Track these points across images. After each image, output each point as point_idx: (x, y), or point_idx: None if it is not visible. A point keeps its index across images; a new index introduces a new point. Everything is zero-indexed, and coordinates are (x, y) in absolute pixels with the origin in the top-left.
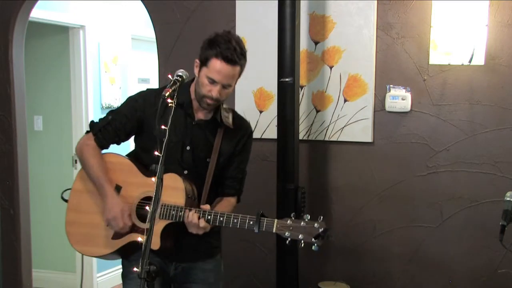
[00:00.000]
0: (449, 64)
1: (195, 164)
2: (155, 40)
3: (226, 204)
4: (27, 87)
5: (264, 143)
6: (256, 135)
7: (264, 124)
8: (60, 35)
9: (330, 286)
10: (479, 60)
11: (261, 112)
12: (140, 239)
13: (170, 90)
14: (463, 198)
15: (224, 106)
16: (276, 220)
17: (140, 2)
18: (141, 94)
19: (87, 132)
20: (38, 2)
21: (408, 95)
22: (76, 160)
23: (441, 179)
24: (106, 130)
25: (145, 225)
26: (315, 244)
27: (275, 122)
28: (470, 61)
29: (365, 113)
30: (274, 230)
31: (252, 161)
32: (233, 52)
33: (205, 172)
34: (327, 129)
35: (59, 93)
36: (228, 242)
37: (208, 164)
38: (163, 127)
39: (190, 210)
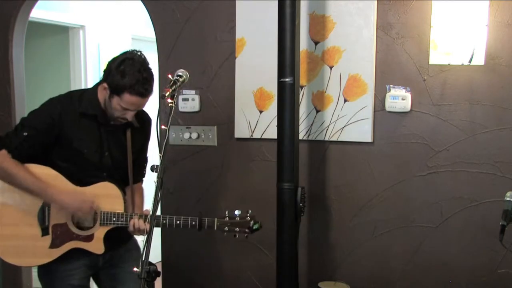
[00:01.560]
0: (449, 64)
1: (114, 166)
2: (155, 40)
3: (140, 193)
4: (27, 87)
5: (264, 143)
6: (256, 135)
7: (264, 124)
8: (60, 35)
9: (330, 286)
10: (479, 60)
11: (261, 112)
12: (79, 245)
13: (170, 90)
14: (463, 198)
15: None
16: (216, 219)
17: (140, 2)
18: (55, 109)
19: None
20: (38, 2)
21: (408, 95)
22: None
23: (441, 179)
24: (22, 147)
25: (84, 232)
26: (247, 234)
27: (275, 122)
28: (470, 61)
29: (365, 113)
30: (215, 228)
31: (252, 161)
32: (147, 86)
33: (123, 171)
34: (327, 129)
35: (59, 93)
36: (228, 242)
37: (126, 163)
38: (163, 127)
39: (133, 217)
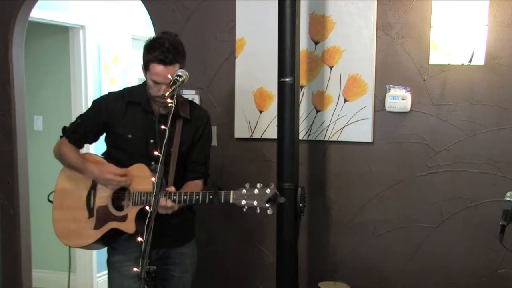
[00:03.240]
0: (449, 64)
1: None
2: None
3: (193, 187)
4: (27, 87)
5: (264, 143)
6: (256, 135)
7: (264, 124)
8: (60, 35)
9: (330, 286)
10: (479, 60)
11: (261, 112)
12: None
13: (170, 90)
14: (463, 198)
15: (181, 98)
16: (232, 192)
17: (140, 2)
18: (104, 98)
19: (61, 137)
20: (38, 2)
21: (408, 95)
22: None
23: (441, 179)
24: (76, 133)
25: (120, 213)
26: (269, 208)
27: (275, 122)
28: (470, 61)
29: (365, 113)
30: (231, 201)
31: (252, 161)
32: (167, 54)
33: (169, 162)
34: (327, 129)
35: (59, 93)
36: (228, 242)
37: (170, 155)
38: (163, 127)
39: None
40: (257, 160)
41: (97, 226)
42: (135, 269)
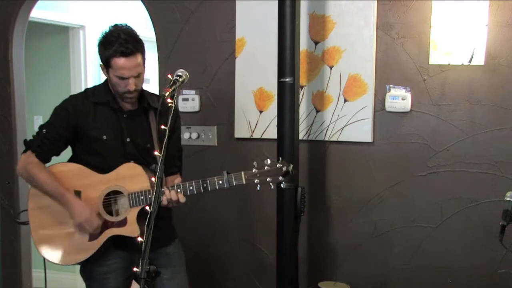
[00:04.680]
0: (449, 64)
1: (139, 152)
2: (155, 40)
3: (176, 182)
4: (27, 87)
5: (264, 143)
6: (256, 135)
7: (264, 124)
8: (60, 35)
9: (330, 286)
10: (479, 60)
11: (261, 112)
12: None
13: (170, 90)
14: (463, 198)
15: (147, 92)
16: (243, 172)
17: (140, 2)
18: (68, 102)
19: (25, 151)
20: (38, 2)
21: (408, 95)
22: None
23: (441, 179)
24: (44, 144)
25: (117, 218)
26: (283, 182)
27: (275, 122)
28: (470, 61)
29: (365, 113)
30: (244, 182)
31: (252, 161)
32: (127, 45)
33: (149, 157)
34: (327, 129)
35: (59, 93)
36: (228, 242)
37: (150, 150)
38: (163, 127)
39: (165, 189)
40: (257, 160)
41: (92, 237)
42: (135, 269)
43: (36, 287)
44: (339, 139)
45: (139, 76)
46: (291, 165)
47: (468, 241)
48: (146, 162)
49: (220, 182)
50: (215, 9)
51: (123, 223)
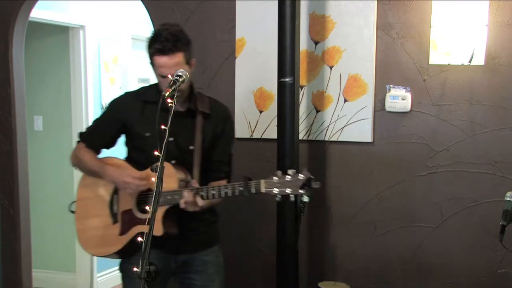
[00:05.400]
0: (449, 64)
1: (180, 153)
2: None
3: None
4: (27, 87)
5: (264, 143)
6: (256, 135)
7: (264, 124)
8: (60, 35)
9: (330, 286)
10: (479, 60)
11: (261, 112)
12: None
13: (170, 90)
14: (463, 198)
15: (199, 94)
16: (262, 180)
17: (140, 2)
18: (120, 98)
19: (77, 142)
20: (38, 2)
21: (408, 95)
22: None
23: (441, 179)
24: (92, 136)
25: (145, 215)
26: (304, 195)
27: (275, 122)
28: (470, 61)
29: (365, 113)
30: (263, 190)
31: (252, 161)
32: (166, 43)
33: (191, 159)
34: (327, 129)
35: (59, 93)
36: (228, 242)
37: (192, 152)
38: (163, 127)
39: (184, 191)
40: (257, 160)
41: (122, 232)
42: (135, 269)
43: (36, 287)
44: (339, 139)
45: None
46: (318, 183)
47: (468, 241)
48: (188, 163)
49: (241, 188)
50: (215, 9)
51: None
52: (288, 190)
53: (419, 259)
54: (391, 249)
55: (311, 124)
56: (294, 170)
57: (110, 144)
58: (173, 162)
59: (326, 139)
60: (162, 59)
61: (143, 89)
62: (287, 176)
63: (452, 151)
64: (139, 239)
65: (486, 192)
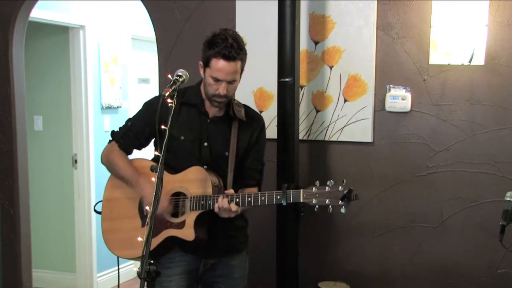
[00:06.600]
0: (449, 64)
1: (214, 159)
2: (155, 40)
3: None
4: (27, 87)
5: None
6: None
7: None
8: (60, 35)
9: (330, 286)
10: (479, 60)
11: (261, 112)
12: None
13: (170, 90)
14: (463, 198)
15: (235, 101)
16: (301, 190)
17: (140, 2)
18: (157, 98)
19: (110, 141)
20: (38, 2)
21: (408, 95)
22: (76, 160)
23: (441, 179)
24: (127, 136)
25: (177, 220)
26: (343, 207)
27: (275, 122)
28: (470, 61)
29: (365, 113)
30: (301, 200)
31: None
32: (230, 49)
33: (225, 165)
34: (327, 129)
35: (59, 93)
36: None
37: (227, 158)
38: (163, 127)
39: (218, 196)
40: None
41: (153, 235)
42: (135, 269)
43: (36, 287)
44: (339, 139)
45: (233, 83)
46: (357, 195)
47: (468, 241)
48: (221, 169)
49: (278, 197)
50: (215, 9)
51: (181, 225)
52: (327, 201)
53: (419, 259)
54: (391, 249)
55: (311, 124)
56: (332, 181)
57: (143, 145)
58: (205, 167)
59: (326, 139)
60: (222, 63)
61: (181, 90)
62: (326, 187)
63: (452, 151)
64: (139, 239)
65: (486, 192)
